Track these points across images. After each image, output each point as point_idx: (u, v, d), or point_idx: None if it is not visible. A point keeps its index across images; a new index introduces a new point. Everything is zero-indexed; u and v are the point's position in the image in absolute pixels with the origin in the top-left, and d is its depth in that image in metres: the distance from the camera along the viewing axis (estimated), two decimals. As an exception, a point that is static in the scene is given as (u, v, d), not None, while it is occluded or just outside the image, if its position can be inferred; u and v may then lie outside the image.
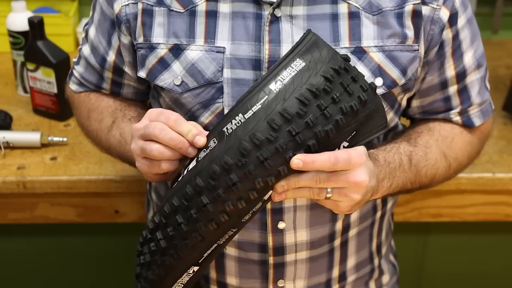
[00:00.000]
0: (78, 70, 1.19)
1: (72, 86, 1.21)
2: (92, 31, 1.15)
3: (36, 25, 1.54)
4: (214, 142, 0.89)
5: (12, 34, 1.67)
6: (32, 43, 1.56)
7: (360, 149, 0.92)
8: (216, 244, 0.93)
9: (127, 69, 1.12)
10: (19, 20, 1.66)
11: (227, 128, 0.88)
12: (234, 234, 0.93)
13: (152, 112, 0.95)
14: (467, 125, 1.14)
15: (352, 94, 0.89)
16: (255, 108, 0.87)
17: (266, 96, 0.87)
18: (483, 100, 1.14)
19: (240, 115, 0.88)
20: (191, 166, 0.91)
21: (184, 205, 0.90)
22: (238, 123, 0.88)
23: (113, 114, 1.13)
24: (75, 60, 1.21)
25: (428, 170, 1.08)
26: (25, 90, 1.69)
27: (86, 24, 1.18)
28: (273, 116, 0.86)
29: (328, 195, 0.91)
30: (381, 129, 0.94)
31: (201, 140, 0.90)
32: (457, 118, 1.13)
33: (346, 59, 0.91)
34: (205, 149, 0.90)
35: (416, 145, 1.09)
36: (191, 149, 0.91)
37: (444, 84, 1.10)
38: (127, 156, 1.07)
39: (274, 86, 0.88)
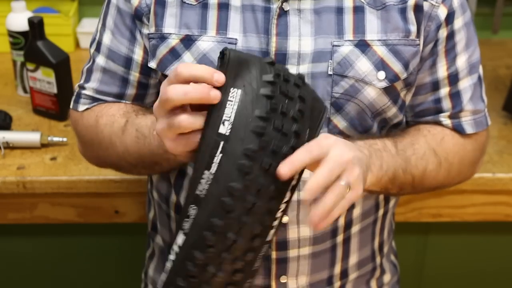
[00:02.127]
0: (90, 86, 1.13)
1: (82, 107, 1.14)
2: (107, 39, 1.11)
3: (36, 25, 1.54)
4: (194, 209, 0.83)
5: (12, 34, 1.67)
6: (32, 43, 1.56)
7: (322, 134, 0.89)
8: None
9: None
10: (19, 20, 1.66)
11: (200, 191, 0.83)
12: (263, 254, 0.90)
13: (164, 84, 0.87)
14: (457, 130, 1.12)
15: (293, 98, 0.85)
16: (217, 159, 0.81)
17: (222, 142, 0.81)
18: (477, 109, 1.12)
19: (206, 172, 0.82)
20: (180, 240, 0.85)
21: (194, 283, 0.85)
22: (208, 181, 0.82)
23: (126, 115, 1.09)
24: (80, 82, 1.15)
25: (418, 161, 1.06)
26: (25, 90, 1.69)
27: (92, 41, 1.14)
28: (240, 160, 0.81)
29: (348, 190, 0.86)
30: (325, 111, 0.90)
31: (221, 77, 0.82)
32: (447, 122, 1.12)
33: (272, 62, 0.85)
34: (186, 219, 0.84)
35: (401, 135, 1.08)
36: (212, 92, 0.82)
37: (435, 85, 1.10)
38: (148, 151, 1.02)
39: (224, 129, 0.82)
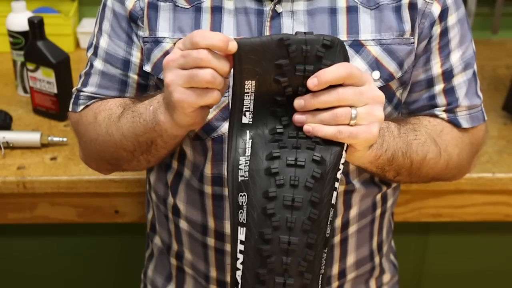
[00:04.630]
0: (88, 90, 1.13)
1: (81, 107, 1.14)
2: (103, 42, 1.11)
3: (36, 25, 1.54)
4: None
5: (12, 34, 1.67)
6: (32, 43, 1.56)
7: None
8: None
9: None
10: (19, 20, 1.67)
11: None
12: (326, 256, 0.90)
13: (179, 43, 0.88)
14: (453, 123, 1.12)
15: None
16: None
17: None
18: (473, 105, 1.12)
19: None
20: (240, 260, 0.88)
21: None
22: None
23: (123, 105, 1.08)
24: (78, 86, 1.15)
25: (419, 147, 1.05)
26: (25, 90, 1.69)
27: (89, 46, 1.14)
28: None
29: (353, 121, 0.86)
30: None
31: (234, 44, 0.84)
32: (443, 115, 1.12)
33: (283, 39, 0.84)
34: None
35: (403, 120, 1.08)
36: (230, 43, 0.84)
37: (430, 82, 1.10)
38: (143, 127, 0.99)
39: (246, 119, 0.88)
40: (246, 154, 0.87)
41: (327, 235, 0.88)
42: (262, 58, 0.85)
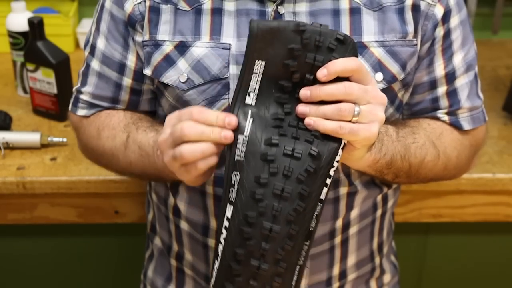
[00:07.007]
0: (86, 90, 1.14)
1: (81, 112, 1.15)
2: (101, 43, 1.11)
3: (36, 25, 1.54)
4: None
5: (12, 34, 1.67)
6: (32, 44, 1.56)
7: None
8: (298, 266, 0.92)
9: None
10: (19, 21, 1.67)
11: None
12: (308, 248, 0.91)
13: (171, 118, 0.92)
14: (455, 125, 1.13)
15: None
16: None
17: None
18: (474, 106, 1.13)
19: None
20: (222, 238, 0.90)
21: (240, 282, 0.89)
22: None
23: (126, 129, 1.09)
24: (77, 86, 1.15)
25: (417, 150, 1.06)
26: (25, 91, 1.69)
27: (86, 43, 1.14)
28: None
29: (355, 118, 0.88)
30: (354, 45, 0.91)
31: (233, 120, 0.87)
32: (445, 118, 1.12)
33: (298, 28, 0.86)
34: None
35: (402, 123, 1.08)
36: (223, 132, 0.88)
37: (433, 84, 1.10)
38: (153, 169, 1.04)
39: (250, 100, 0.89)
40: (245, 134, 0.88)
41: (311, 229, 0.90)
42: (276, 39, 0.86)
